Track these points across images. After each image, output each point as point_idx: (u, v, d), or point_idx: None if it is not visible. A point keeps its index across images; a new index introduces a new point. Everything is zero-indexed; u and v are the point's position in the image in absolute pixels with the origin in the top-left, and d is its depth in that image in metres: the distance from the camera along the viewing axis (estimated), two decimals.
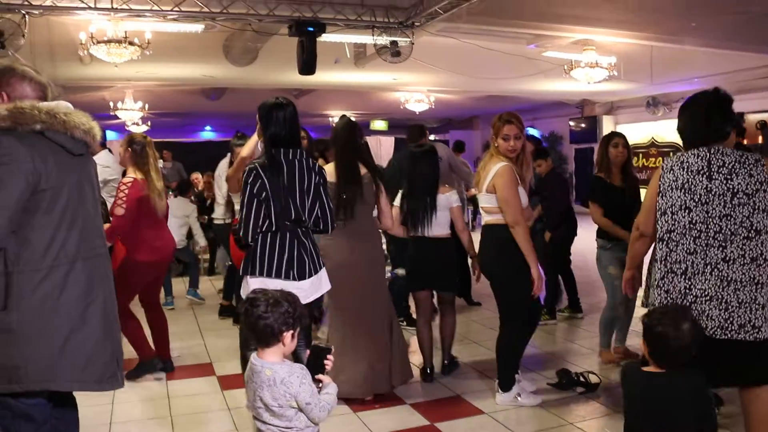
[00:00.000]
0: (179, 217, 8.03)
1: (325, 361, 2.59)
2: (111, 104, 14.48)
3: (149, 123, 16.94)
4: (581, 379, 4.73)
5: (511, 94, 15.85)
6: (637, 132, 17.67)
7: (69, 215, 2.61)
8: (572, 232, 6.77)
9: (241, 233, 3.59)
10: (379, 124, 21.57)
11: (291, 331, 2.51)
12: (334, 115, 20.19)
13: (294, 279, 3.56)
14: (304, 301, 3.60)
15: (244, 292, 3.57)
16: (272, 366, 2.48)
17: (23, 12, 7.20)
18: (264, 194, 3.54)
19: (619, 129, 18.28)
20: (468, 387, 4.85)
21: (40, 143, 2.53)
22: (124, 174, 5.35)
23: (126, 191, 4.74)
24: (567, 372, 4.82)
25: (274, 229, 3.58)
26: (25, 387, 2.49)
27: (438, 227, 4.99)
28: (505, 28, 9.16)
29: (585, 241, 6.75)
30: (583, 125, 18.84)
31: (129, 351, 5.86)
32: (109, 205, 5.47)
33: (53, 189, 2.54)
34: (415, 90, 15.65)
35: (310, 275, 3.65)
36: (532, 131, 20.64)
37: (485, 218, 4.46)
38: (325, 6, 7.95)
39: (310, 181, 3.67)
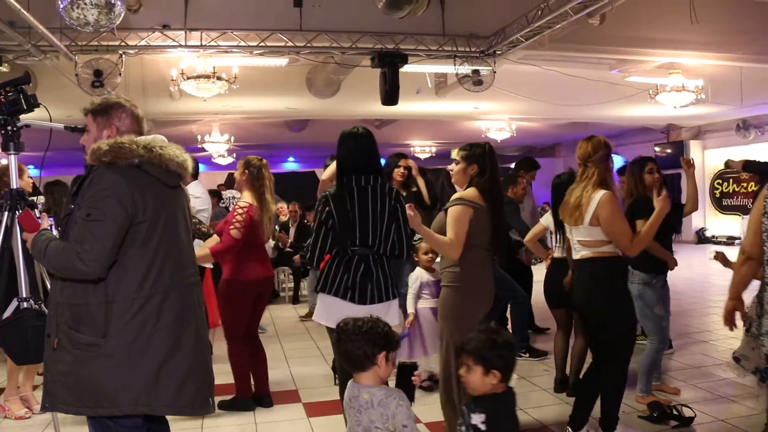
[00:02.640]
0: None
1: (412, 378, 2.64)
2: (198, 137, 14.98)
3: (234, 155, 17.40)
4: (674, 412, 4.55)
5: (594, 120, 15.62)
6: (727, 156, 17.05)
7: (164, 246, 2.70)
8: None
9: (308, 257, 3.76)
10: None
11: (384, 353, 2.55)
12: (416, 145, 20.28)
13: (353, 302, 3.66)
14: None
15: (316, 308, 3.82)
16: (369, 389, 2.53)
17: (120, 52, 7.58)
18: (330, 222, 3.68)
19: (708, 154, 17.80)
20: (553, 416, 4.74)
21: (138, 176, 2.64)
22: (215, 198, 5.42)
23: (243, 215, 4.77)
24: (659, 404, 4.64)
25: (342, 253, 3.70)
26: (124, 411, 2.58)
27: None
28: (588, 54, 9.10)
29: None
30: (669, 150, 18.33)
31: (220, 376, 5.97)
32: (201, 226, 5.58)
33: (150, 221, 2.65)
34: (497, 118, 15.60)
35: (372, 302, 3.71)
36: (615, 158, 20.25)
37: (581, 252, 4.07)
38: (407, 37, 8.06)
39: (384, 208, 3.74)
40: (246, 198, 4.95)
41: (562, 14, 7.01)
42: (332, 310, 3.71)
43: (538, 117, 15.59)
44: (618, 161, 19.88)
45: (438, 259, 5.44)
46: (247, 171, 4.98)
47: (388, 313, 3.81)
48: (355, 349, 2.53)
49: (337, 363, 3.88)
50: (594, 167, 3.99)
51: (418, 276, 5.24)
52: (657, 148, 18.71)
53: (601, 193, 3.89)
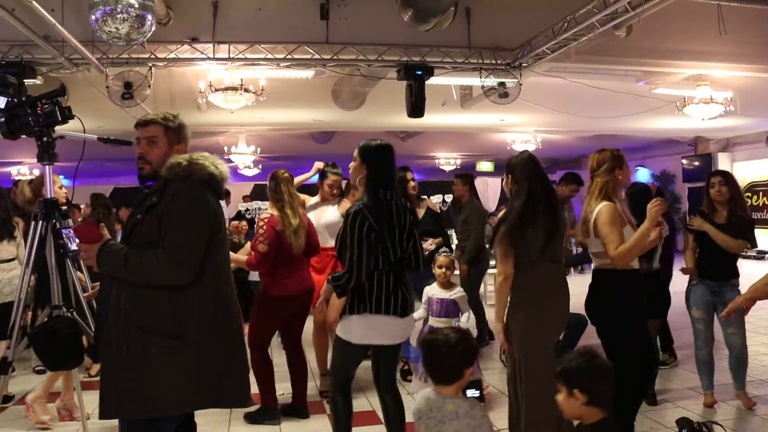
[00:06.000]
0: None
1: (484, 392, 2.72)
2: (225, 148, 15.09)
3: (260, 166, 17.50)
4: (704, 429, 4.49)
5: (620, 132, 15.52)
6: (757, 169, 16.89)
7: (227, 254, 2.96)
8: (667, 270, 6.12)
9: (350, 275, 3.64)
10: (485, 166, 21.48)
11: (471, 368, 2.65)
12: (441, 157, 20.29)
13: (397, 315, 3.67)
14: (402, 338, 3.78)
15: (346, 330, 3.71)
16: (454, 400, 2.60)
17: (150, 65, 7.68)
18: (372, 236, 3.64)
19: (736, 166, 17.58)
20: None
21: (208, 190, 2.85)
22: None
23: (264, 227, 4.86)
24: (688, 421, 4.57)
25: (380, 268, 3.68)
26: (194, 409, 2.85)
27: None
28: (614, 66, 9.05)
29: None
30: (696, 163, 18.16)
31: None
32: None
33: (220, 232, 2.87)
34: (522, 131, 15.55)
35: (409, 313, 3.78)
36: (642, 170, 20.09)
37: (594, 263, 4.18)
38: (433, 49, 8.08)
39: (405, 222, 3.78)
40: (268, 210, 5.08)
41: (589, 26, 7.00)
42: (380, 327, 3.69)
43: (563, 129, 15.51)
44: (644, 174, 19.76)
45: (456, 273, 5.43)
46: (268, 184, 5.16)
47: (412, 322, 3.93)
48: (446, 364, 2.62)
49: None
50: (598, 180, 4.11)
51: (427, 291, 5.26)
52: (684, 161, 18.55)
53: (601, 205, 3.99)
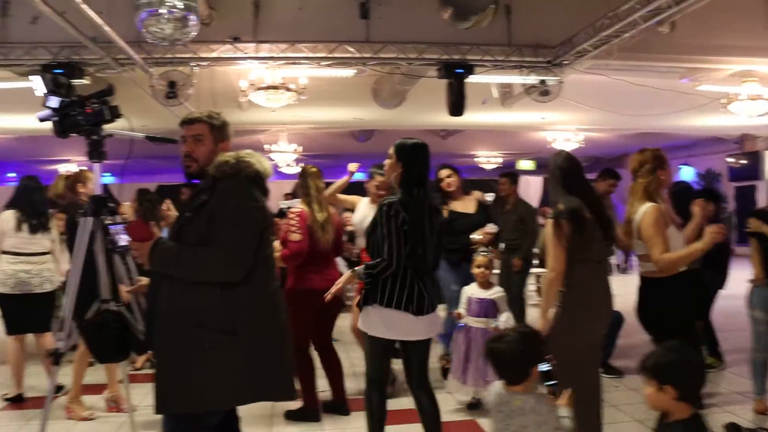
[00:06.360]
0: None
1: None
2: (266, 146, 15.22)
3: (302, 164, 17.57)
4: None
5: (663, 130, 15.26)
6: None
7: (272, 250, 3.01)
8: (720, 279, 6.17)
9: (390, 262, 3.66)
10: (525, 164, 21.28)
11: (538, 365, 2.71)
12: (481, 156, 20.18)
13: (411, 312, 3.69)
14: (420, 336, 3.78)
15: (364, 322, 3.80)
16: (521, 396, 2.69)
17: (192, 64, 7.81)
18: (405, 228, 3.68)
19: None
20: None
21: (256, 186, 2.90)
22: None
23: (297, 219, 4.93)
24: (737, 427, 4.49)
25: (413, 261, 3.72)
26: (244, 402, 2.87)
27: None
28: (657, 63, 8.91)
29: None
30: (743, 161, 17.77)
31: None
32: None
33: (267, 227, 2.93)
34: (564, 129, 15.39)
35: (427, 312, 3.76)
36: (686, 169, 19.75)
37: (642, 267, 4.16)
38: (473, 47, 8.07)
39: (433, 222, 3.83)
40: (299, 205, 5.14)
41: (631, 23, 6.91)
42: (391, 321, 3.72)
43: (605, 127, 15.31)
44: (689, 173, 19.41)
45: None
46: (298, 180, 5.25)
47: (436, 321, 3.92)
48: (512, 367, 2.71)
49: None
50: (641, 181, 4.09)
51: (466, 291, 5.23)
52: (730, 159, 18.17)
53: (646, 206, 3.95)
